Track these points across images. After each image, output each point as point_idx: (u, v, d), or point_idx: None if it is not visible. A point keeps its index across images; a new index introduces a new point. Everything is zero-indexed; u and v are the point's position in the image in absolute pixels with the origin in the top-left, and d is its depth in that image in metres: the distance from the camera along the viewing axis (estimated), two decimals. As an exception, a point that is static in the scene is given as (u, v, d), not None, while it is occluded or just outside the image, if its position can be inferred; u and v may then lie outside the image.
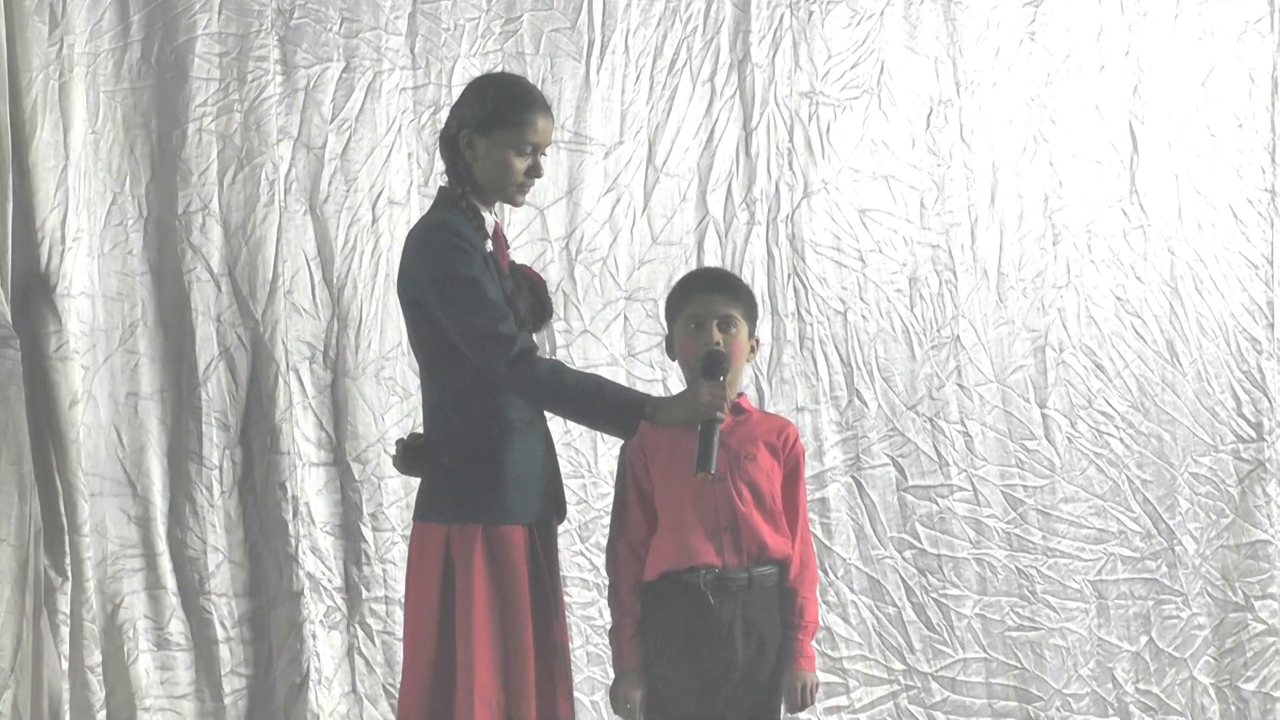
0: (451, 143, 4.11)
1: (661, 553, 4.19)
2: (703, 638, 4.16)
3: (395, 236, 5.24)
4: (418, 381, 5.16)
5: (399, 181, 5.31)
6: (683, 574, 4.16)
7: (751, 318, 4.27)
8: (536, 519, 4.07)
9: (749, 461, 4.19)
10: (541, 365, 3.96)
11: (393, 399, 5.28)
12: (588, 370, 4.85)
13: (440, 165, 5.18)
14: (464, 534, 3.98)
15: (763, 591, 4.18)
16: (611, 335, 5.47)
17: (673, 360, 4.36)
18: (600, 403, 3.97)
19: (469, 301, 3.96)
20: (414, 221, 5.20)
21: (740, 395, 4.28)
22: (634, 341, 5.51)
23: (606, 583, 4.39)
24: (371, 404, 5.26)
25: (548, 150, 4.14)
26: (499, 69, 5.32)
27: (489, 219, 4.11)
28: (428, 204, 5.17)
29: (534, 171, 4.10)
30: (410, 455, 4.13)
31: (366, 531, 5.24)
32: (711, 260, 5.57)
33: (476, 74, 5.27)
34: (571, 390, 3.96)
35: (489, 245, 4.08)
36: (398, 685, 5.09)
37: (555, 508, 4.17)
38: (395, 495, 5.24)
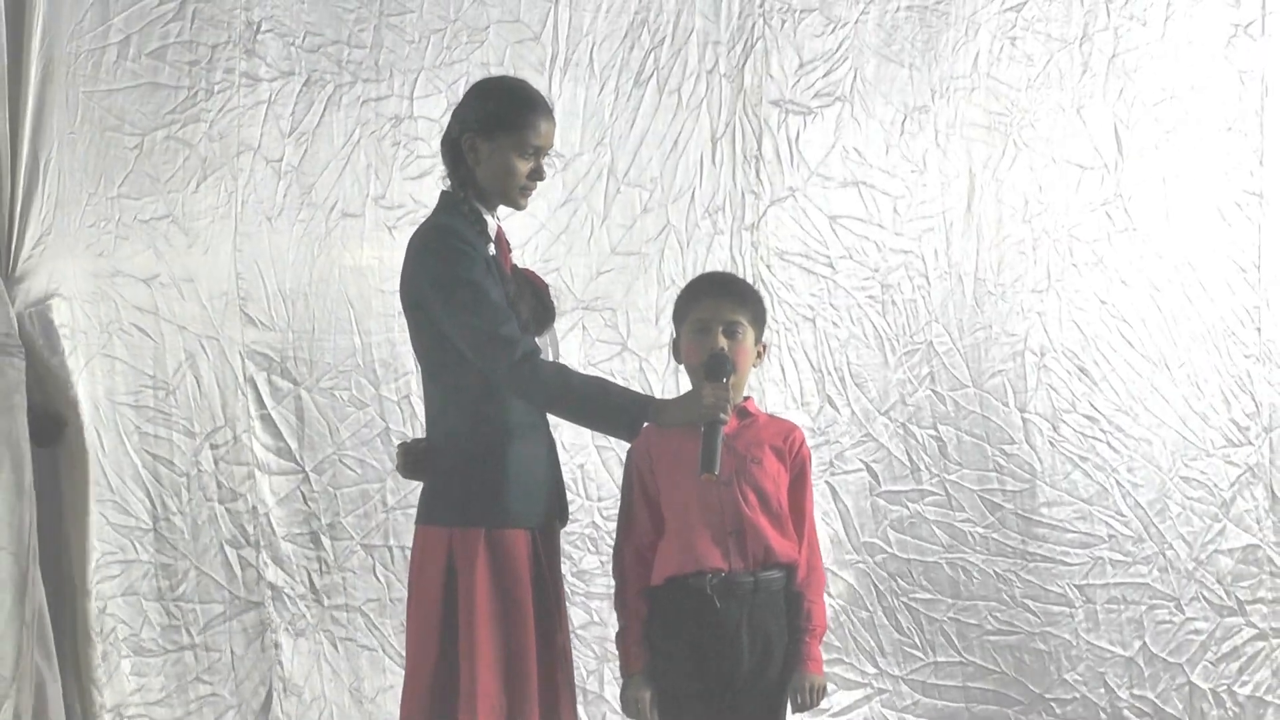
0: (454, 146, 4.08)
1: (668, 557, 4.17)
2: (709, 642, 4.14)
3: (347, 248, 5.27)
4: (374, 392, 5.21)
5: (355, 194, 5.32)
6: (689, 578, 4.13)
7: (758, 323, 4.23)
8: (539, 523, 4.06)
9: (755, 465, 4.16)
10: (545, 367, 3.95)
11: (349, 409, 5.29)
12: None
13: (400, 175, 5.24)
14: (466, 538, 3.97)
15: (769, 595, 4.16)
16: (568, 346, 5.43)
17: (679, 364, 4.33)
18: (603, 405, 3.96)
19: (471, 304, 3.94)
20: (368, 234, 5.25)
21: (747, 399, 4.25)
22: (593, 351, 5.51)
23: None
24: (327, 415, 5.27)
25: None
26: (463, 80, 5.29)
27: (491, 222, 4.09)
28: (384, 215, 5.23)
29: (537, 174, 4.08)
30: (412, 459, 4.12)
31: (325, 540, 5.25)
32: (671, 269, 5.56)
33: (440, 86, 5.31)
34: (575, 392, 3.95)
35: (491, 248, 4.06)
36: (364, 691, 5.16)
37: (558, 511, 4.16)
38: (352, 504, 5.25)
